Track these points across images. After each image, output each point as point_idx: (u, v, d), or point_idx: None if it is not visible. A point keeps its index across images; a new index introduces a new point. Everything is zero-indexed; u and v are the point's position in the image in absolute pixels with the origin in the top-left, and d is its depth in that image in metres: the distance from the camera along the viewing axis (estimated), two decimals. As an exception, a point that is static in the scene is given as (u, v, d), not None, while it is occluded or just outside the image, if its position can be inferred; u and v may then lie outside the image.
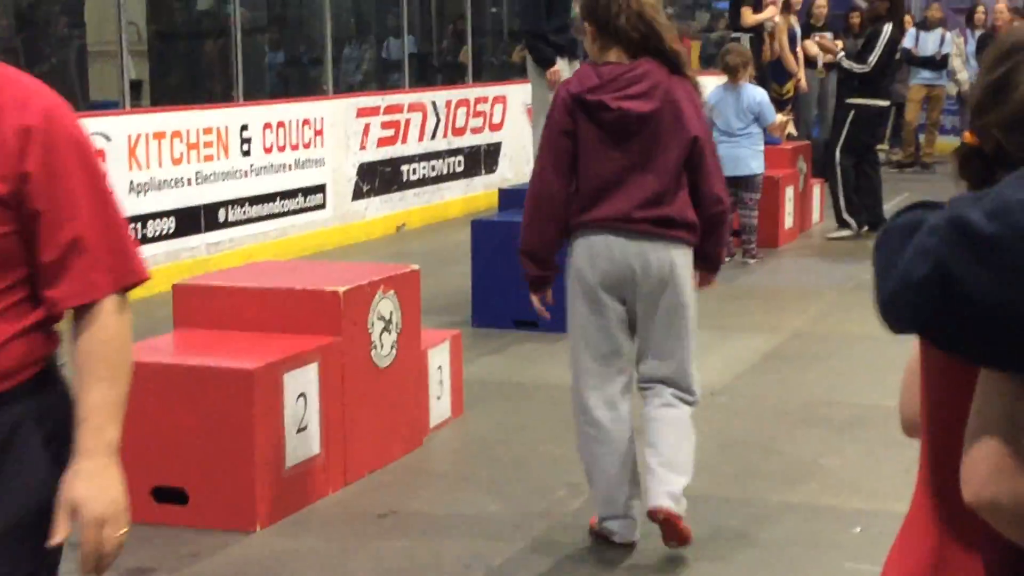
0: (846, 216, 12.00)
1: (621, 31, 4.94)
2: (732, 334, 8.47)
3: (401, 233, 12.50)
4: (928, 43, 17.27)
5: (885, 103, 12.34)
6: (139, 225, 9.80)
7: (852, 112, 11.92)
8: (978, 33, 16.28)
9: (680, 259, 5.02)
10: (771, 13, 12.22)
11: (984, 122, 1.98)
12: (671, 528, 4.84)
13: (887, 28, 11.88)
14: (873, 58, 11.84)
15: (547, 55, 8.46)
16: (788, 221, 11.91)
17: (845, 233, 11.99)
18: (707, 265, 5.31)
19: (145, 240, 9.86)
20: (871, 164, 12.23)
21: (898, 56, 16.81)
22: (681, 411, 5.13)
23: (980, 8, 16.45)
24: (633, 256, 4.96)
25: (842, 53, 12.13)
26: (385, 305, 5.93)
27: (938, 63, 17.12)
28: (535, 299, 5.28)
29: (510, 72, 15.47)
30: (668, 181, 4.99)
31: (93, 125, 9.55)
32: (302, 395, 5.41)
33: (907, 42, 17.34)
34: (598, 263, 4.98)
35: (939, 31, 17.31)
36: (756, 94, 10.76)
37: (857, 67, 11.86)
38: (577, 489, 5.66)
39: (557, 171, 5.01)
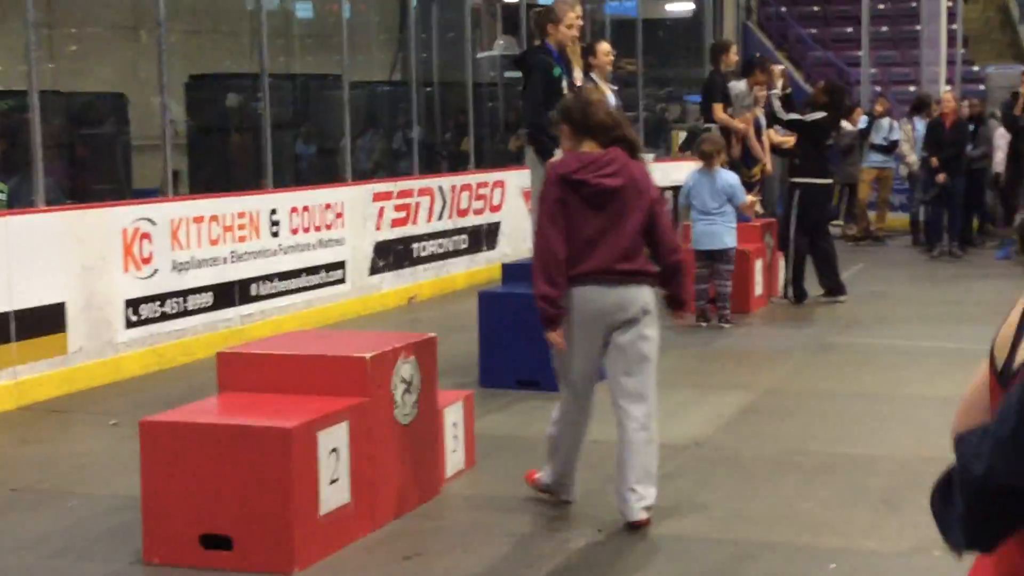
0: (792, 289, 12.09)
1: (597, 128, 5.80)
2: (711, 391, 8.49)
3: (413, 304, 12.53)
4: (878, 131, 17.41)
5: (827, 181, 12.42)
6: (181, 299, 9.84)
7: (798, 192, 11.98)
8: (926, 121, 16.40)
9: (649, 296, 5.81)
10: (742, 128, 12.36)
11: None
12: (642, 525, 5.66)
13: (818, 113, 12.01)
14: (788, 117, 12.18)
15: (547, 147, 8.51)
16: (758, 289, 11.95)
17: (782, 300, 12.17)
18: (677, 304, 6.14)
19: (186, 313, 9.89)
20: (823, 238, 12.29)
21: (849, 142, 17.00)
22: (651, 432, 5.79)
23: (935, 102, 16.59)
24: (612, 299, 5.73)
25: (790, 117, 12.28)
26: (406, 369, 5.96)
27: (887, 148, 17.26)
28: (553, 335, 5.74)
29: (506, 159, 15.55)
30: (634, 240, 5.79)
31: (139, 211, 9.65)
32: (334, 450, 5.41)
33: (857, 129, 17.52)
34: (587, 307, 5.70)
35: (887, 120, 17.44)
36: (729, 178, 10.86)
37: (780, 112, 12.22)
38: (580, 532, 5.70)
39: (555, 230, 5.71)
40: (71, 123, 12.35)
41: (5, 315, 8.35)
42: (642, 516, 5.65)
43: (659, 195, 6.09)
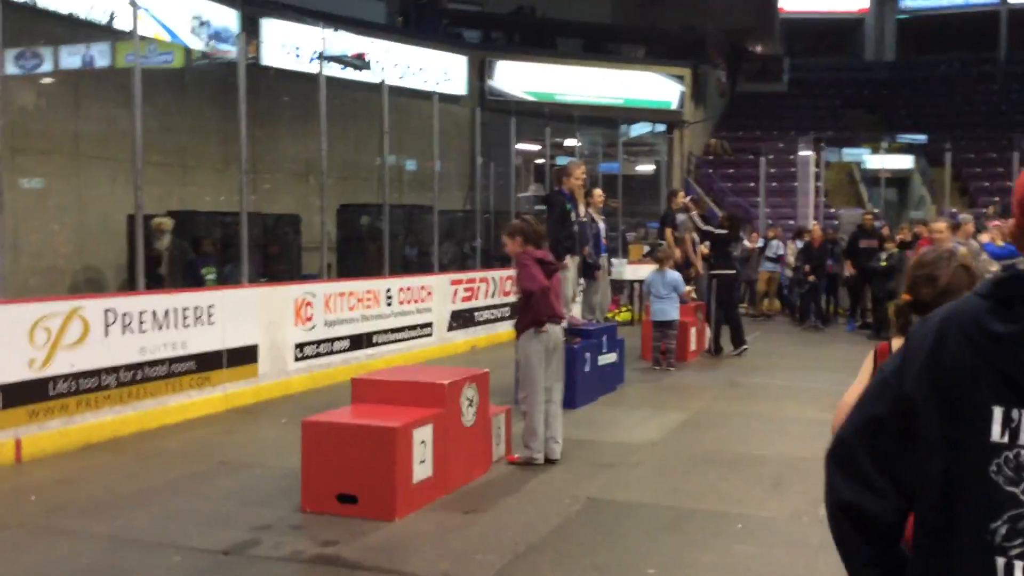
0: (713, 346, 12.02)
1: (540, 239, 6.47)
2: (662, 411, 8.43)
3: (474, 351, 12.55)
4: (770, 249, 17.38)
5: (733, 272, 12.31)
6: (329, 344, 9.88)
7: (715, 280, 11.94)
8: (802, 243, 16.39)
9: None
10: (678, 255, 12.28)
11: (917, 293, 2.26)
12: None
13: (723, 230, 12.02)
14: (705, 228, 12.05)
15: (561, 253, 8.56)
16: (692, 346, 11.90)
17: (710, 354, 12.02)
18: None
19: (332, 352, 9.94)
20: (734, 311, 12.25)
21: (748, 254, 16.97)
22: (559, 405, 6.54)
23: (807, 231, 16.61)
24: (558, 332, 6.47)
25: (706, 228, 12.23)
26: (469, 391, 5.98)
27: (775, 259, 17.23)
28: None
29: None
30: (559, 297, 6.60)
31: (306, 288, 9.74)
32: (423, 441, 5.43)
33: (756, 247, 17.49)
34: (546, 337, 6.35)
35: (776, 241, 17.43)
36: (674, 275, 10.83)
37: (700, 223, 12.08)
38: (574, 498, 5.66)
39: (541, 281, 6.30)
40: (265, 233, 12.52)
41: (220, 351, 8.43)
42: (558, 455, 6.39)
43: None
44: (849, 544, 1.52)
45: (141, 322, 7.63)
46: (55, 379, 6.88)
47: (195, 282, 10.33)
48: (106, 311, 7.33)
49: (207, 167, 14.16)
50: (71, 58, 13.14)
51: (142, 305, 7.67)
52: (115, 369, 7.37)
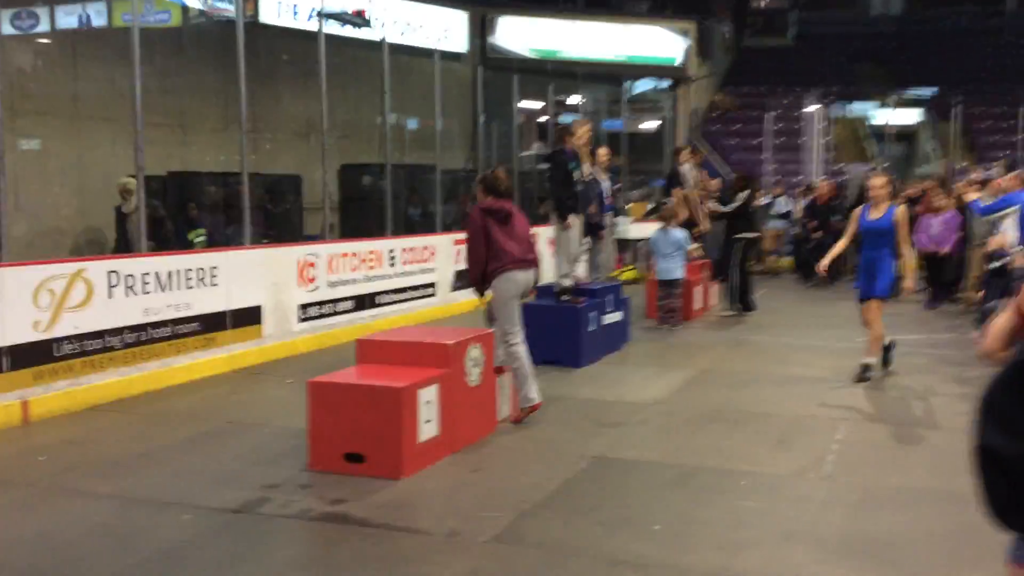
0: (735, 304, 11.99)
1: (502, 190, 6.45)
2: (667, 370, 8.45)
3: (479, 310, 12.54)
4: (776, 205, 17.32)
5: (757, 234, 12.36)
6: (333, 305, 9.92)
7: (742, 242, 11.86)
8: (808, 199, 16.33)
9: (534, 276, 6.57)
10: (685, 214, 12.11)
11: None
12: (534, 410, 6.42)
13: (743, 194, 11.85)
14: (731, 206, 11.84)
15: (563, 213, 8.54)
16: (697, 304, 11.92)
17: (730, 313, 11.92)
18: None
19: (336, 313, 9.97)
20: (748, 274, 12.22)
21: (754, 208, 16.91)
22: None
23: (813, 187, 16.52)
24: (523, 277, 6.42)
25: (724, 208, 12.14)
26: (474, 351, 6.00)
27: (781, 216, 17.17)
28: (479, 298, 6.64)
29: (538, 220, 15.54)
30: (527, 241, 6.50)
31: (308, 249, 9.74)
32: (428, 401, 5.47)
33: (763, 203, 17.43)
34: (512, 282, 6.37)
35: (783, 198, 17.36)
36: (679, 234, 10.81)
37: (724, 208, 11.92)
38: (580, 456, 5.70)
39: (480, 244, 6.32)
40: (267, 193, 12.49)
41: (224, 312, 8.46)
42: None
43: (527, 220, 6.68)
44: (990, 483, 1.53)
45: (144, 283, 7.65)
46: (60, 341, 6.91)
47: (181, 245, 10.29)
48: (109, 273, 7.35)
49: (207, 127, 14.07)
50: (68, 18, 13.02)
51: (145, 267, 7.69)
52: (119, 330, 7.41)
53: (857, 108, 26.04)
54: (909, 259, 8.06)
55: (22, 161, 11.34)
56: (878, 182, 7.84)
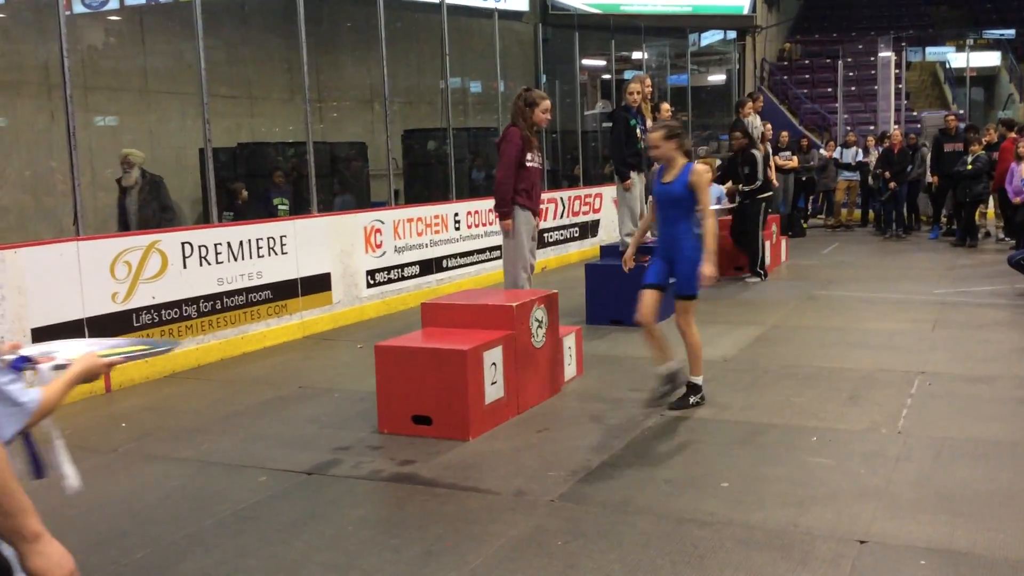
0: (761, 269, 10.96)
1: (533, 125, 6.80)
2: (736, 327, 8.34)
3: (544, 271, 12.54)
4: (847, 155, 16.84)
5: (770, 193, 11.17)
6: (399, 270, 9.99)
7: (763, 204, 10.80)
8: (882, 148, 15.82)
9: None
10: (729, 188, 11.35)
11: None
12: None
13: (759, 156, 10.77)
14: (757, 183, 10.68)
15: (624, 172, 8.43)
16: (767, 260, 11.68)
17: (755, 280, 10.85)
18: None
19: (403, 278, 10.05)
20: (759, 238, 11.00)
21: (823, 163, 16.36)
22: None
23: (887, 136, 15.97)
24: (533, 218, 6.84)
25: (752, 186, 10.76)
26: (539, 312, 6.00)
27: (853, 167, 16.68)
28: (506, 223, 6.79)
29: (602, 180, 15.43)
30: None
31: (374, 215, 9.81)
32: (494, 363, 5.49)
33: (834, 155, 16.93)
34: (530, 224, 6.83)
35: (854, 148, 16.86)
36: (716, 189, 10.31)
37: (752, 186, 10.70)
38: (645, 414, 5.67)
39: (514, 167, 6.63)
40: (333, 161, 12.58)
41: (295, 280, 8.60)
42: None
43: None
44: None
45: (217, 253, 7.81)
46: (138, 311, 7.12)
47: (268, 213, 10.47)
48: (183, 243, 7.52)
49: (274, 98, 14.23)
50: (135, -7, 13.23)
51: (216, 237, 7.84)
52: (195, 300, 7.59)
53: (933, 52, 25.09)
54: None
55: (97, 137, 11.65)
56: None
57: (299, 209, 10.30)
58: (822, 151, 16.97)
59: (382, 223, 9.76)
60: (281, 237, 8.45)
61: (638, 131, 8.58)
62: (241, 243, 8.04)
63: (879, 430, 5.25)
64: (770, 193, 11.20)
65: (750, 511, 4.13)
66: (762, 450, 4.99)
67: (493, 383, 5.46)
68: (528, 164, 6.70)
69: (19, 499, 1.70)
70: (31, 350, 2.15)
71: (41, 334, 6.32)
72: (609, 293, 8.42)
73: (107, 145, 11.51)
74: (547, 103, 6.84)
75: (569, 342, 6.51)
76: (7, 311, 6.22)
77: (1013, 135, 13.46)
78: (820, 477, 4.55)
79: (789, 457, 4.85)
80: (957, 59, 24.05)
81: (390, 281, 9.87)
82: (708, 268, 5.43)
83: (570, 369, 6.52)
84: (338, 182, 12.64)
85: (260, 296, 8.22)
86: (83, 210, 7.02)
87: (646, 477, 4.61)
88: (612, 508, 4.23)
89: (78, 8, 12.24)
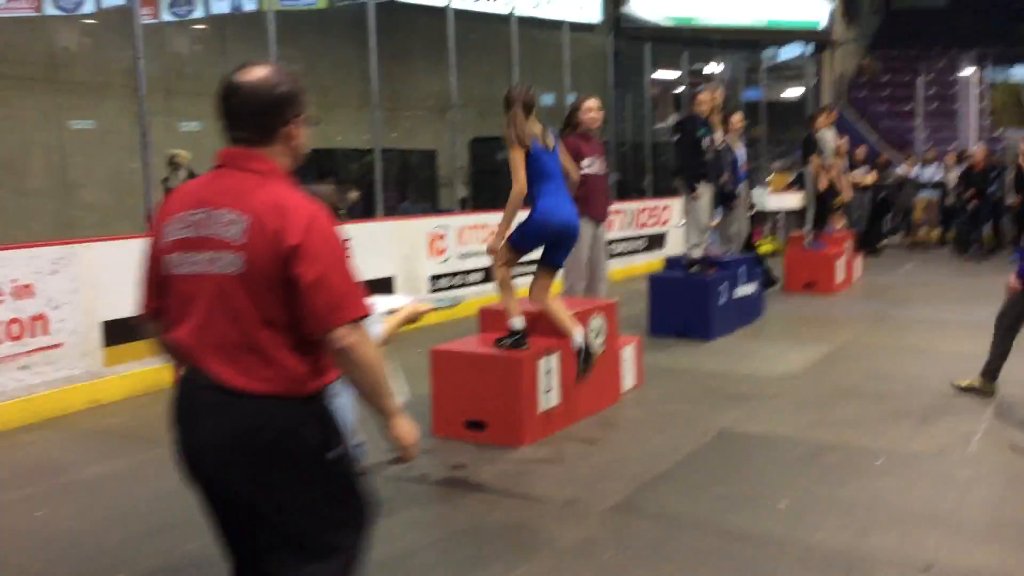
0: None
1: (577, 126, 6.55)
2: (803, 344, 8.10)
3: (609, 282, 12.39)
4: (926, 173, 16.32)
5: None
6: (463, 276, 9.98)
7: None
8: (963, 166, 15.30)
9: None
10: (823, 183, 11.02)
11: None
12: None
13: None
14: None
15: (691, 184, 8.25)
16: (839, 277, 11.37)
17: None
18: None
19: (465, 284, 10.03)
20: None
21: (901, 181, 15.85)
22: None
23: (967, 151, 15.46)
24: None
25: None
26: (597, 321, 5.90)
27: (934, 185, 16.15)
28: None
29: (672, 191, 15.24)
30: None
31: (438, 221, 9.81)
32: (549, 371, 5.42)
33: (913, 173, 16.40)
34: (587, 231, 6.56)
35: (934, 165, 16.34)
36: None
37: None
38: (704, 431, 5.52)
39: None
40: (402, 168, 12.68)
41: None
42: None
43: None
44: None
45: (284, 255, 7.90)
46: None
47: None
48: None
49: (349, 105, 14.39)
50: (220, 3, 13.55)
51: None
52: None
53: (1017, 71, 24.24)
54: None
55: (179, 143, 11.91)
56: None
57: (365, 213, 10.37)
58: (899, 169, 16.49)
59: (446, 229, 9.76)
60: (344, 241, 8.52)
61: (705, 141, 8.40)
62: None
63: (950, 454, 5.01)
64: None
65: (809, 532, 3.96)
66: (824, 470, 4.80)
67: (548, 391, 5.38)
68: (585, 170, 6.44)
69: (387, 385, 2.23)
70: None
71: (111, 327, 6.44)
72: (673, 305, 8.27)
73: (190, 149, 11.76)
74: (591, 102, 6.59)
75: (628, 352, 6.39)
76: (80, 303, 6.36)
77: None
78: (884, 501, 4.35)
79: (852, 479, 4.66)
80: (1044, 78, 23.20)
81: (452, 287, 9.86)
82: None
83: (629, 379, 6.40)
84: (406, 188, 12.73)
85: (325, 298, 8.28)
86: (156, 209, 7.16)
87: (701, 492, 4.47)
88: (664, 522, 4.10)
89: (165, 16, 12.59)
